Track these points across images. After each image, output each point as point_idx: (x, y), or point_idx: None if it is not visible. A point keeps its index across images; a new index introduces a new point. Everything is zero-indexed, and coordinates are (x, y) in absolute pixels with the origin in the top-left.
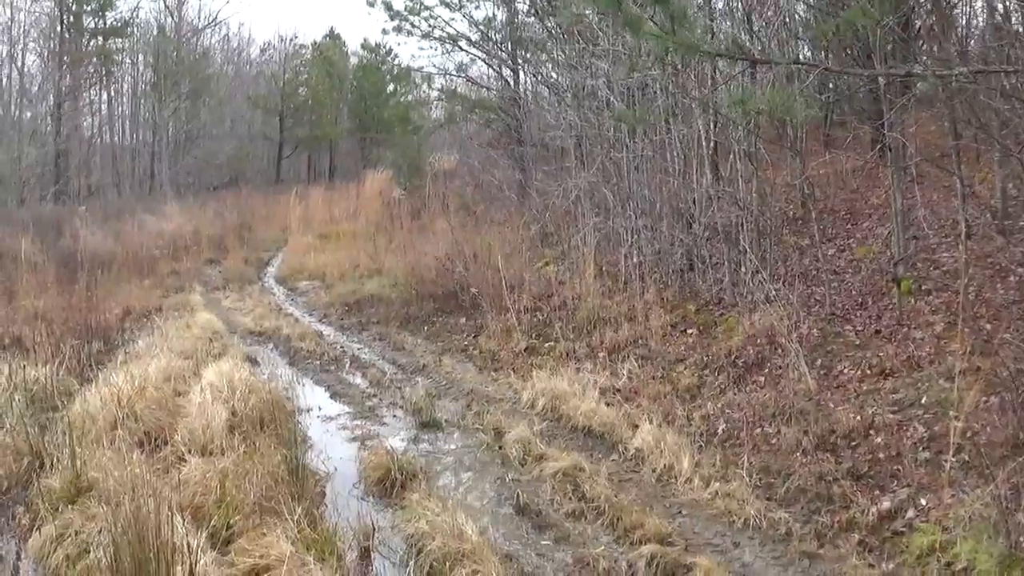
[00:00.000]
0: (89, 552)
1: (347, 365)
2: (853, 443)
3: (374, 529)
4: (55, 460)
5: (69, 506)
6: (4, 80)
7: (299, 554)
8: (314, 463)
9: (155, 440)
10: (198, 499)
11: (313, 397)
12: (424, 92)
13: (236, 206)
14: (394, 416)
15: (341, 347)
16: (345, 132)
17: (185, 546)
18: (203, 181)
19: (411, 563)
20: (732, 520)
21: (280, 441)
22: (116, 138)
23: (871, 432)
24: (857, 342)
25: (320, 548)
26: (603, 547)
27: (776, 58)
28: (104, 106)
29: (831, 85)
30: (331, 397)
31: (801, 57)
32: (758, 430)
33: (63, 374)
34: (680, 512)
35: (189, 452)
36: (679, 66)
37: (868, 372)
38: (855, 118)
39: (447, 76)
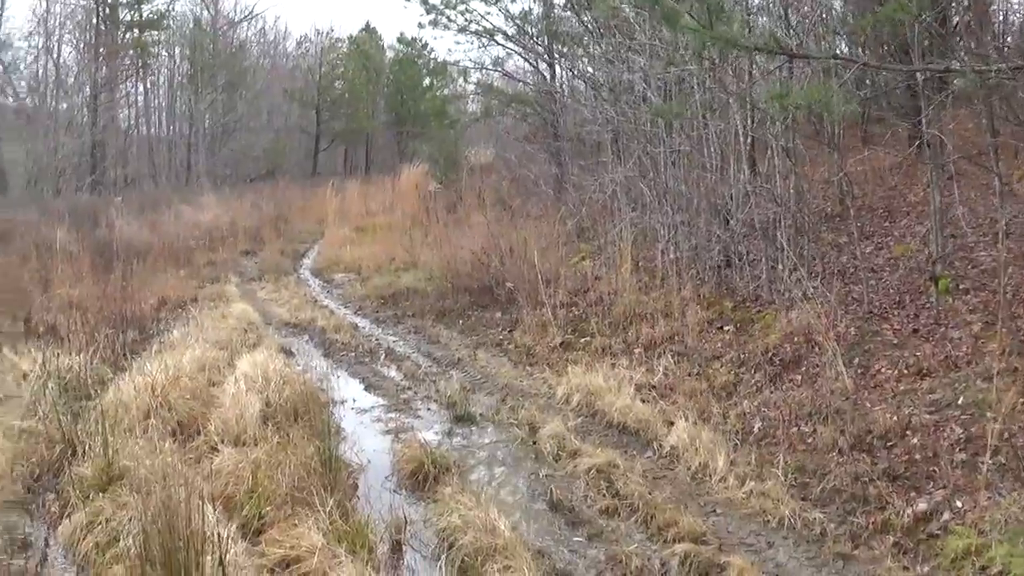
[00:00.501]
0: (119, 540)
1: (382, 357)
2: (889, 443)
3: (406, 522)
4: (87, 448)
5: (100, 494)
6: (40, 72)
7: (330, 546)
8: (347, 455)
9: (188, 430)
10: (230, 489)
11: (347, 389)
12: (460, 86)
13: (273, 198)
14: (428, 409)
15: (376, 339)
16: (381, 126)
17: (215, 536)
18: (240, 173)
19: (443, 557)
20: (767, 520)
21: (313, 432)
22: (153, 130)
23: (908, 432)
24: (894, 341)
25: (351, 540)
26: (636, 545)
27: (813, 53)
28: (140, 98)
29: (869, 81)
30: (365, 389)
31: (838, 52)
32: (794, 429)
33: (97, 363)
34: (714, 511)
35: (222, 442)
36: (716, 61)
37: (905, 372)
38: (893, 114)
39: (483, 70)
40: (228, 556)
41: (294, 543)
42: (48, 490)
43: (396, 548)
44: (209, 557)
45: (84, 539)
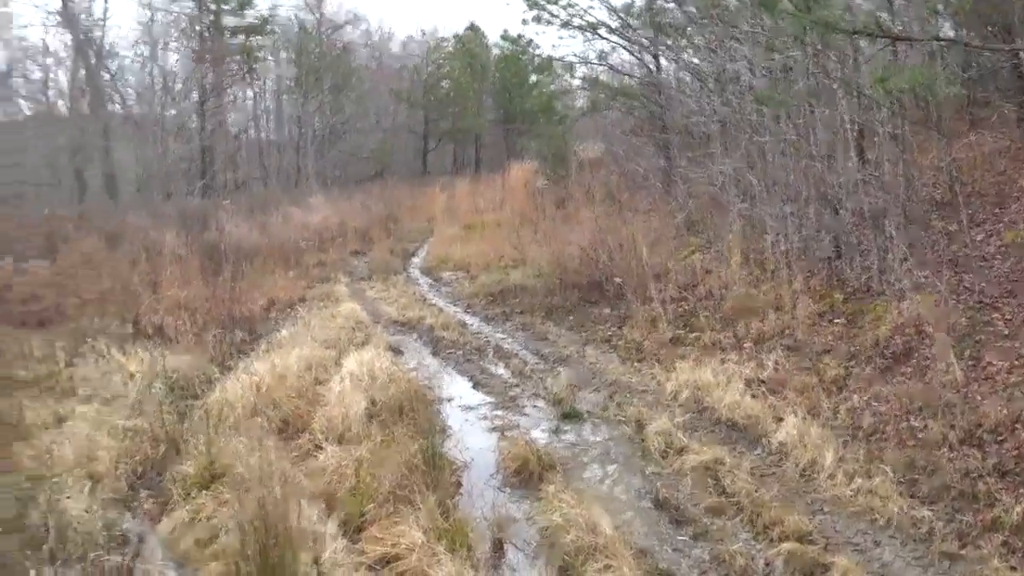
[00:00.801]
0: (219, 537)
1: (490, 355)
2: (1000, 438)
3: (508, 521)
4: (191, 446)
5: (202, 492)
6: (147, 79)
7: (430, 543)
8: (451, 452)
9: (293, 428)
10: (332, 487)
11: (454, 387)
12: (566, 81)
13: (382, 198)
14: (535, 407)
15: (484, 337)
16: (489, 123)
17: (312, 533)
18: (349, 174)
19: (544, 556)
20: (874, 518)
21: (418, 430)
22: (262, 133)
23: (1018, 426)
24: (1006, 332)
25: (452, 538)
26: (741, 544)
27: (915, 35)
28: (249, 102)
29: (974, 63)
30: (473, 387)
31: (942, 34)
32: (904, 424)
33: (204, 363)
34: (821, 509)
35: (326, 440)
36: (819, 47)
37: (1017, 363)
38: (999, 96)
39: (588, 64)
40: (326, 553)
41: (394, 541)
42: (150, 488)
43: (498, 546)
44: (305, 554)
45: (184, 536)
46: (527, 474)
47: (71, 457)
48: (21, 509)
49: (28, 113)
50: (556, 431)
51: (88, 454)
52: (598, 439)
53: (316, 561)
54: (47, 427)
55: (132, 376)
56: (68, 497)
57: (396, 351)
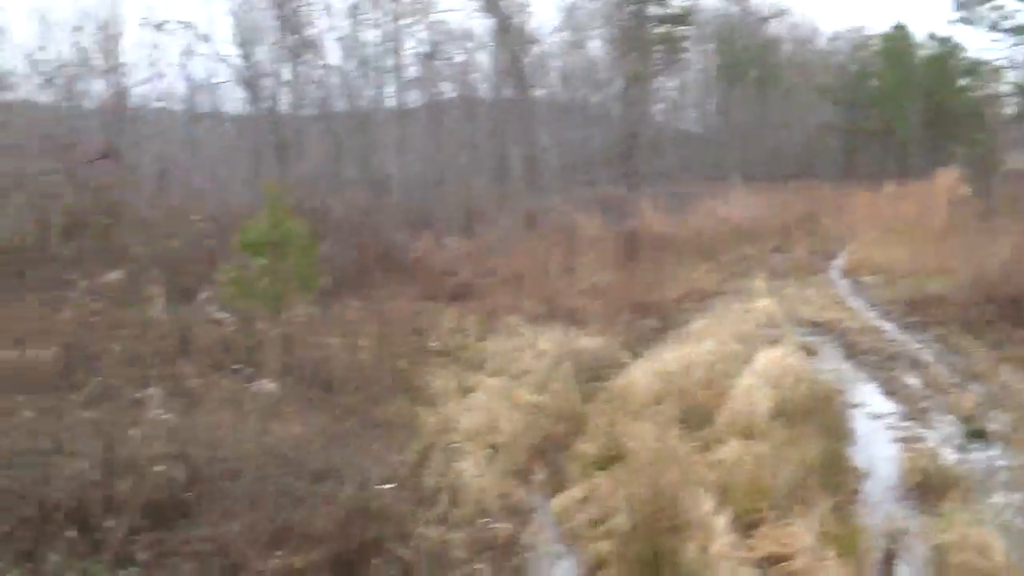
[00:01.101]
0: (611, 518)
1: (903, 364)
2: None
3: (901, 533)
4: (592, 427)
5: (599, 472)
6: (570, 65)
7: (820, 548)
8: (853, 459)
9: (696, 419)
10: (729, 480)
11: (863, 393)
12: (995, 86)
13: (804, 196)
14: (942, 421)
15: (899, 345)
16: (915, 127)
17: (704, 524)
18: (771, 170)
19: (932, 573)
20: None
21: (822, 433)
22: (684, 124)
23: None
24: None
25: (843, 544)
26: None
27: None
28: (672, 92)
29: None
30: (882, 395)
31: None
32: None
33: (615, 347)
34: None
35: (729, 434)
36: None
37: None
38: None
39: (1018, 69)
40: (714, 545)
41: (785, 541)
42: (548, 463)
43: (887, 558)
44: (692, 545)
45: (576, 513)
46: (926, 489)
47: (473, 426)
48: (417, 470)
49: (452, 95)
50: (960, 448)
51: (490, 425)
52: (1003, 462)
53: (704, 551)
54: (454, 396)
55: (541, 354)
56: (466, 464)
57: (808, 352)
